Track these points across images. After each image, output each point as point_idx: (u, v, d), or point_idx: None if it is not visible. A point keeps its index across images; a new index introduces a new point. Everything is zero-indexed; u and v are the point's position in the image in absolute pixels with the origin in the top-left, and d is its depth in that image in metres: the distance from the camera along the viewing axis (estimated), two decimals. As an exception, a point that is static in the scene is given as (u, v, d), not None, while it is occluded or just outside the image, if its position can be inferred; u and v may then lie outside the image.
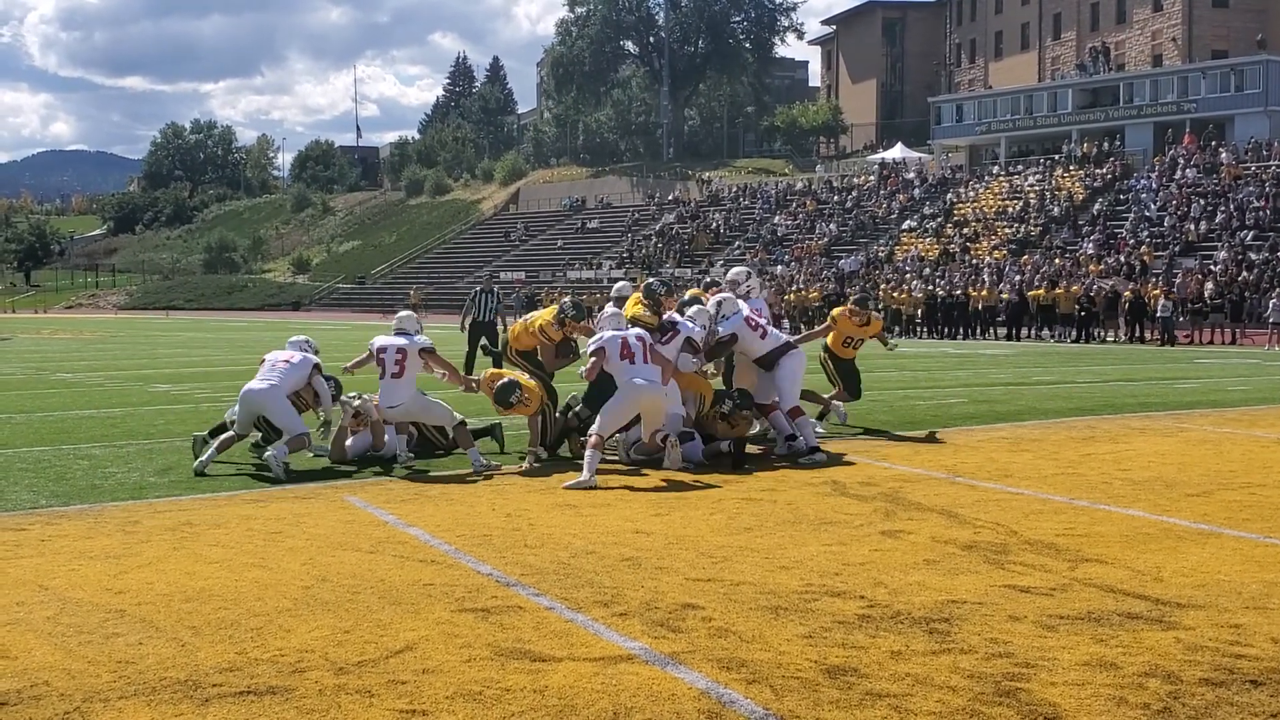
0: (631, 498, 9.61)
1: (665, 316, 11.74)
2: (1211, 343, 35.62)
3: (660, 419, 10.83)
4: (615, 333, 10.92)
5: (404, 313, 11.93)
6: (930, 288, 44.02)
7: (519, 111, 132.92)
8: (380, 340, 11.44)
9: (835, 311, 14.14)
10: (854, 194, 65.31)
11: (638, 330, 11.07)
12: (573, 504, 9.33)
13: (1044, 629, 5.89)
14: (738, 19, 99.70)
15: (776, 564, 7.26)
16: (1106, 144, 59.48)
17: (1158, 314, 36.24)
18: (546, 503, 9.40)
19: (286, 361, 11.26)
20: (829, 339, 13.87)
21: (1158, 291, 36.98)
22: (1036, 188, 56.05)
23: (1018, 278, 43.02)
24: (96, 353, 31.82)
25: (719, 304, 12.26)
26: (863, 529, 8.34)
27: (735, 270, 13.77)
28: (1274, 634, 5.80)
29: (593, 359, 10.84)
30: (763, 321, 12.41)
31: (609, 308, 11.77)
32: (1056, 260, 45.90)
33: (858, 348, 13.86)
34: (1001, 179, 59.66)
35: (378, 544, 7.83)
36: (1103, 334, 38.12)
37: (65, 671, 5.29)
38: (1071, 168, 57.31)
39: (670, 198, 78.01)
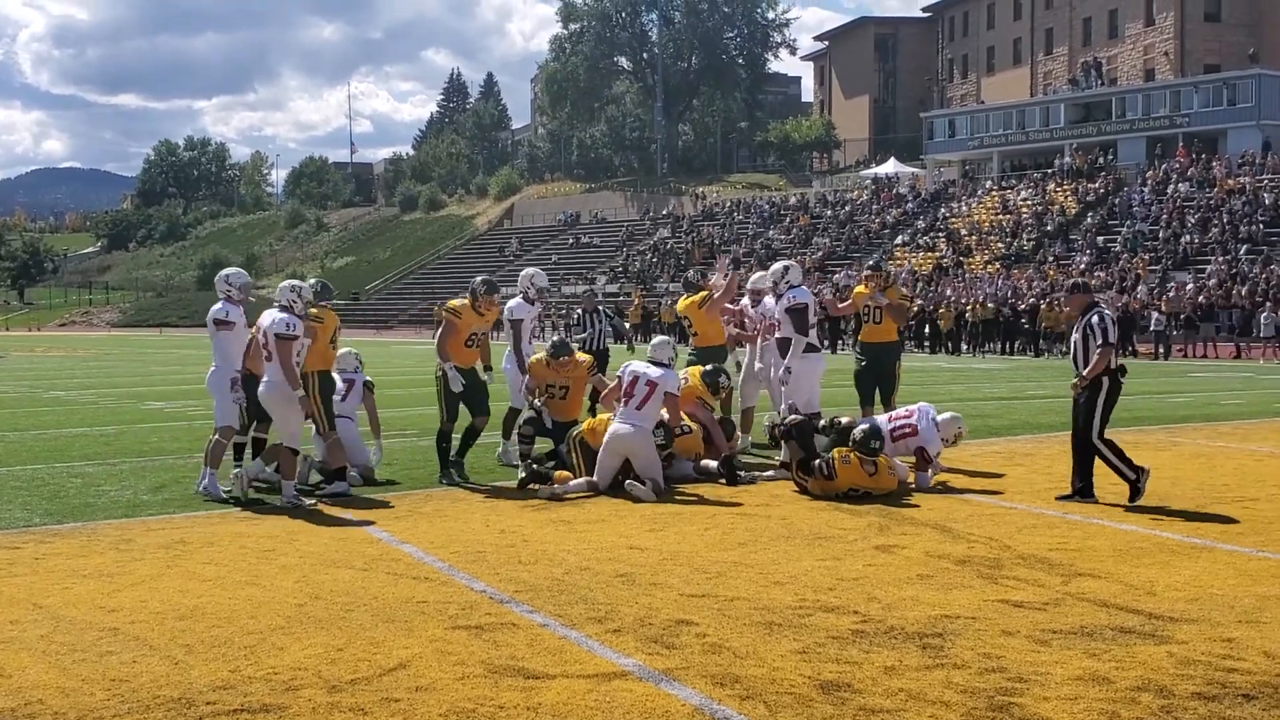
0: (626, 513, 9.61)
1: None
2: (1205, 356, 35.67)
3: (646, 462, 10.54)
4: (637, 367, 10.89)
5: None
6: (923, 302, 44.07)
7: (513, 127, 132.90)
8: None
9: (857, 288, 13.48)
10: (847, 208, 65.44)
11: (656, 372, 10.81)
12: (567, 520, 9.33)
13: (1037, 644, 5.89)
14: (731, 35, 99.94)
15: (771, 579, 7.26)
16: (1099, 158, 59.63)
17: (1150, 328, 36.35)
18: (540, 519, 9.40)
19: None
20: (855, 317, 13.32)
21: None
22: (1029, 202, 56.16)
23: (1009, 293, 43.06)
24: (90, 370, 31.79)
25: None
26: (857, 544, 8.35)
27: (774, 269, 12.85)
28: (1267, 648, 5.81)
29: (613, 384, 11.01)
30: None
31: (657, 339, 11.65)
32: (1050, 274, 45.99)
33: (878, 321, 12.75)
34: (994, 193, 59.76)
35: (371, 561, 7.83)
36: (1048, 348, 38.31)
37: (59, 690, 5.28)
38: (1064, 182, 57.40)
39: (664, 213, 78.12)
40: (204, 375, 11.44)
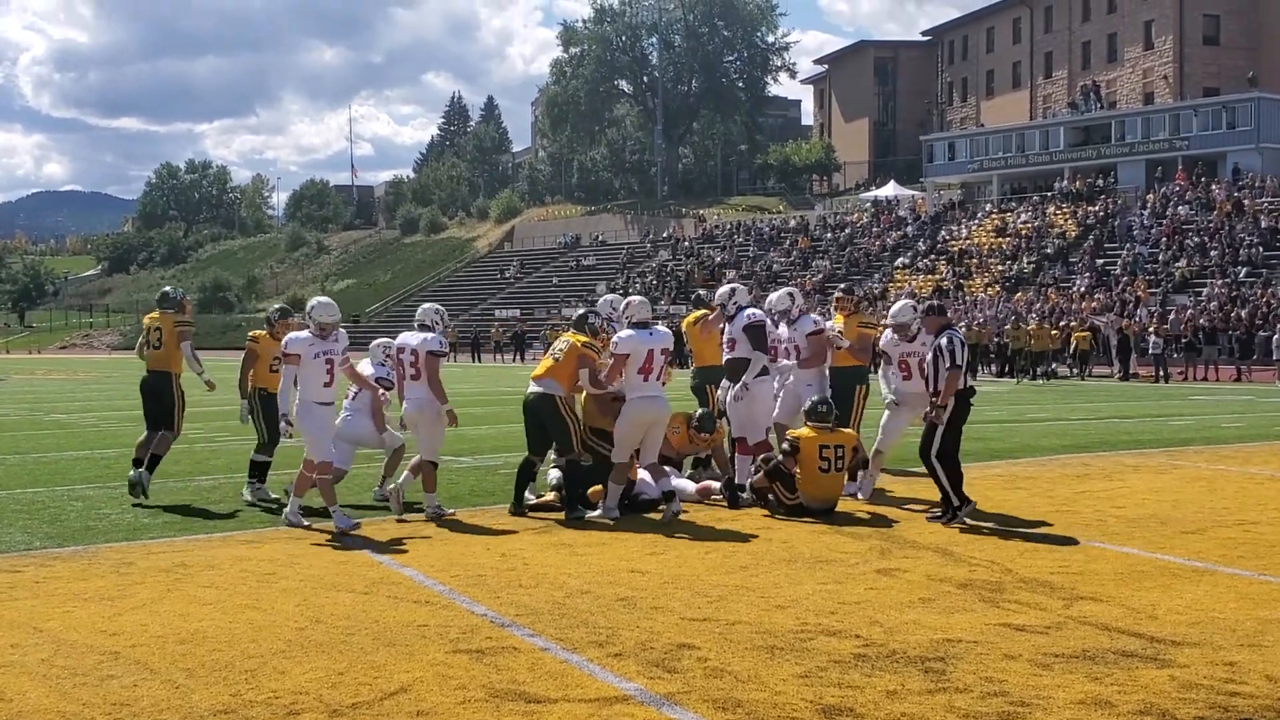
0: (627, 536, 9.60)
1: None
2: (1206, 379, 35.66)
3: (659, 434, 10.59)
4: (643, 340, 10.45)
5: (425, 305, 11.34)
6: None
7: (514, 150, 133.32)
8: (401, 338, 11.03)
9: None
10: (847, 231, 65.57)
11: (666, 339, 10.72)
12: (567, 543, 9.32)
13: (1039, 667, 5.89)
14: (731, 58, 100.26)
15: (772, 603, 7.25)
16: (1099, 181, 59.72)
17: (1149, 350, 36.34)
18: (541, 542, 9.39)
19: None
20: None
21: (1083, 333, 37.51)
22: (1029, 225, 56.25)
23: (1012, 315, 43.10)
24: (90, 393, 31.79)
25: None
26: (858, 567, 8.34)
27: (720, 291, 12.41)
28: (1269, 671, 5.81)
29: (613, 360, 10.41)
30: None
31: (635, 300, 11.15)
32: (1051, 297, 46.04)
33: (841, 346, 12.11)
34: (994, 216, 59.87)
35: (372, 585, 7.82)
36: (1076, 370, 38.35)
37: (60, 714, 5.28)
38: (1064, 205, 57.51)
39: (665, 235, 78.24)
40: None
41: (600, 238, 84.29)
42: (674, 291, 64.28)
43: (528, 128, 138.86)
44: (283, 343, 10.37)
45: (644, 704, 5.37)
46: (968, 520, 10.04)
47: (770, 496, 10.79)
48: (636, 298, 11.23)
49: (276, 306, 12.19)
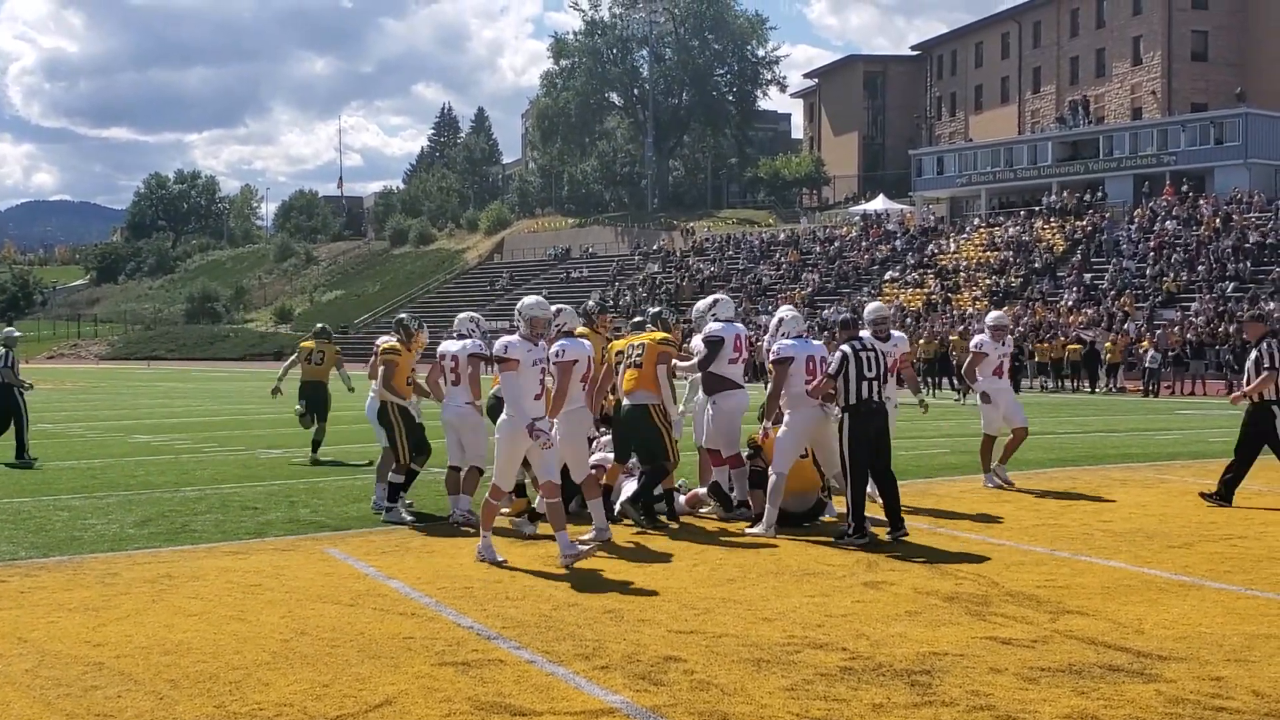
0: (613, 549, 9.58)
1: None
2: (1193, 394, 35.74)
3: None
4: (588, 350, 10.10)
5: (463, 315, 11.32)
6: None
7: (504, 162, 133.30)
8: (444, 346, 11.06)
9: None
10: (836, 245, 65.68)
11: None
12: (554, 555, 9.29)
13: (1025, 681, 5.88)
14: (721, 72, 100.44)
15: (759, 615, 7.24)
16: (1087, 196, 59.89)
17: (1146, 365, 36.41)
18: (528, 554, 9.37)
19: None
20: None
21: (1075, 346, 37.79)
22: (1017, 239, 56.38)
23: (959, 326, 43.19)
24: (78, 403, 31.69)
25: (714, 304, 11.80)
26: (845, 580, 8.34)
27: (697, 306, 12.16)
28: (1255, 686, 5.81)
29: (560, 369, 9.63)
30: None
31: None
32: (1038, 311, 46.14)
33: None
34: (982, 230, 60.00)
35: (357, 597, 7.80)
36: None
37: (42, 726, 5.25)
38: (1052, 219, 57.66)
39: (655, 248, 78.29)
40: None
41: (590, 250, 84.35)
42: (664, 304, 64.22)
43: (518, 139, 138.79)
44: (499, 347, 9.18)
45: (630, 716, 5.36)
46: (853, 545, 9.67)
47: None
48: (567, 306, 10.59)
49: (406, 316, 11.98)
